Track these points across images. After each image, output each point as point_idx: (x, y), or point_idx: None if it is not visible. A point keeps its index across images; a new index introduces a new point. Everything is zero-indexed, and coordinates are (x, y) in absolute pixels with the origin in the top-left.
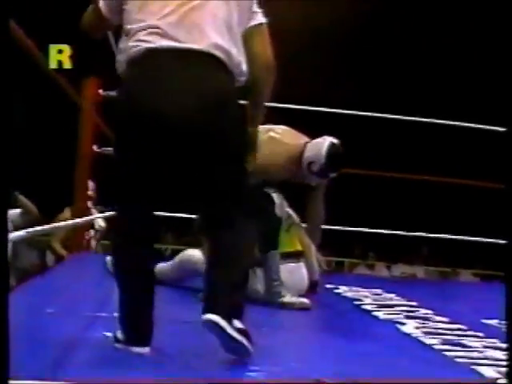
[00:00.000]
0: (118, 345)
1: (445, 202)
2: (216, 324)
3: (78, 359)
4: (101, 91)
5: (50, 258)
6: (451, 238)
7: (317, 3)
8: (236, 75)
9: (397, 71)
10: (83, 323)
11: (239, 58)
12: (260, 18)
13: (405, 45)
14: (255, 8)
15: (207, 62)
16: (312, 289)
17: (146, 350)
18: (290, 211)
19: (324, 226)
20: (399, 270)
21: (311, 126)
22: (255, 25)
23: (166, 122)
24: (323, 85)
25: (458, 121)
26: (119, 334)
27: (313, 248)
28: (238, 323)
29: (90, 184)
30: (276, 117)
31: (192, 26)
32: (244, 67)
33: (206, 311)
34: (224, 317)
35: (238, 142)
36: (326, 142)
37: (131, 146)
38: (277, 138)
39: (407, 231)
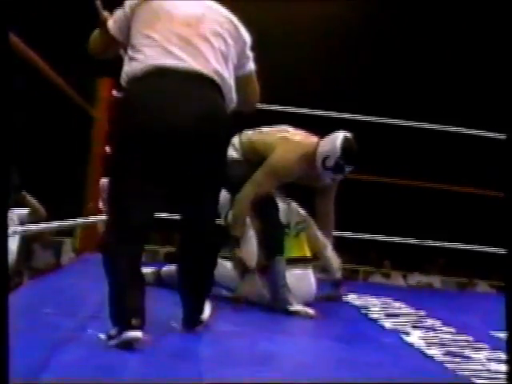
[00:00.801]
0: (111, 342)
1: (464, 211)
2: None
3: (69, 359)
4: (114, 92)
5: (64, 258)
6: (468, 249)
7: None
8: (227, 100)
9: (399, 77)
10: (78, 324)
11: (231, 84)
12: (251, 65)
13: (406, 50)
14: (248, 51)
15: (207, 85)
16: (336, 288)
17: (139, 333)
18: (305, 215)
19: (341, 234)
20: (415, 279)
21: (314, 131)
22: (248, 72)
23: (170, 132)
24: (325, 88)
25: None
26: (112, 331)
27: (329, 248)
28: (205, 312)
29: None
30: (278, 120)
31: (196, 52)
32: (233, 93)
33: (186, 324)
34: (198, 323)
35: (224, 150)
36: (339, 135)
37: (136, 150)
38: (289, 138)
39: (424, 240)
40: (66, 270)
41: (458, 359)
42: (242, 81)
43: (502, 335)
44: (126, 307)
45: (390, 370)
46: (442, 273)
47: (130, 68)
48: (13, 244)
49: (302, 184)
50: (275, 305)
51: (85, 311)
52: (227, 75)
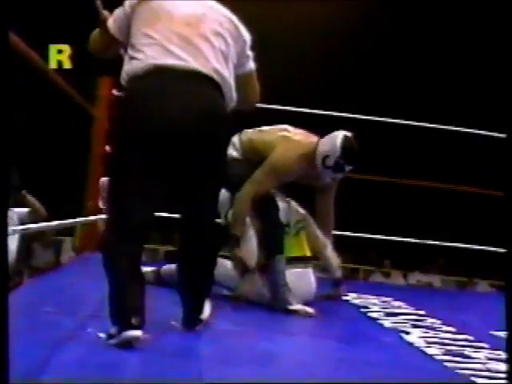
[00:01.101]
0: (111, 341)
1: (464, 211)
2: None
3: (69, 358)
4: (114, 91)
5: (64, 256)
6: (468, 248)
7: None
8: (227, 99)
9: (399, 77)
10: (78, 323)
11: (231, 83)
12: (251, 65)
13: (406, 50)
14: (248, 51)
15: (207, 84)
16: (336, 287)
17: (139, 333)
18: (305, 213)
19: (341, 233)
20: (416, 278)
21: (314, 131)
22: (247, 71)
23: (170, 131)
24: (324, 88)
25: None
26: (112, 330)
27: (329, 247)
28: (205, 312)
29: None
30: (278, 120)
31: (197, 51)
32: (233, 92)
33: (186, 323)
34: (198, 322)
35: (224, 149)
36: (339, 134)
37: (136, 149)
38: (289, 137)
39: (425, 239)
40: (65, 269)
41: (457, 358)
42: (241, 80)
43: (503, 334)
44: (125, 306)
45: (389, 369)
46: (442, 272)
47: (130, 67)
48: (12, 243)
49: (302, 183)
50: (275, 304)
51: (85, 310)
52: (227, 74)
